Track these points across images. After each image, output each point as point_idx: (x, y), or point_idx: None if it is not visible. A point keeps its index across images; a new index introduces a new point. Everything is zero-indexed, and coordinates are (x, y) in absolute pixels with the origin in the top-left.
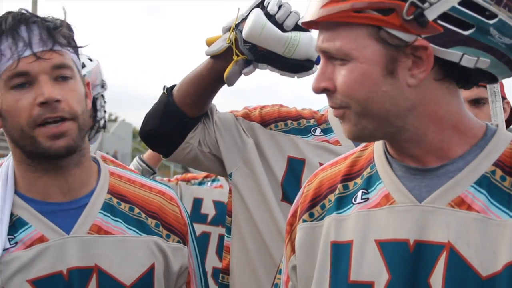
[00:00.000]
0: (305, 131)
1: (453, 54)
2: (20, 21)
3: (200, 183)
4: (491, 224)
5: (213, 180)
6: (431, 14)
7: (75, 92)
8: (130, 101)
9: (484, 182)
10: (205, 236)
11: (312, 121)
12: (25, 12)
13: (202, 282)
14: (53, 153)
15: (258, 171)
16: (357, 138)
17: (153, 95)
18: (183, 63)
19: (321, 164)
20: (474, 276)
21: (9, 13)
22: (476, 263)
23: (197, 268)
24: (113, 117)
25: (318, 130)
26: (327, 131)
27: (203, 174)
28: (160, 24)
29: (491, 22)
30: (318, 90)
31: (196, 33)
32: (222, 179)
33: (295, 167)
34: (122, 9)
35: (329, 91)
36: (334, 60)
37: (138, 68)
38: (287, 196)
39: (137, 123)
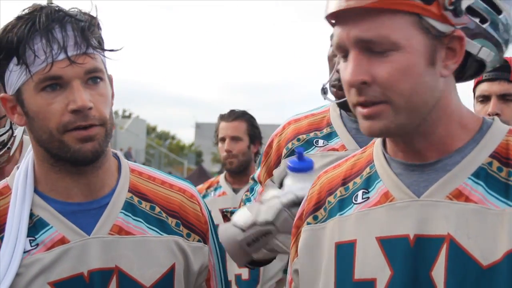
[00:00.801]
0: (307, 145)
1: (475, 46)
2: (54, 20)
3: (204, 196)
4: (489, 214)
5: (216, 189)
6: (464, 5)
7: (104, 97)
8: (144, 98)
9: (481, 174)
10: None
11: (312, 134)
12: (57, 8)
13: (222, 279)
14: (80, 157)
15: None
16: (383, 134)
17: (167, 92)
18: (198, 61)
19: None
20: (475, 266)
21: (41, 9)
22: (476, 253)
23: (217, 265)
24: (127, 114)
25: (321, 141)
26: (330, 136)
27: (206, 185)
28: (175, 22)
29: (500, 17)
30: (356, 83)
31: (212, 32)
32: (224, 185)
33: None
34: (138, 7)
35: (365, 84)
36: (371, 51)
37: (152, 65)
38: None
39: (151, 120)
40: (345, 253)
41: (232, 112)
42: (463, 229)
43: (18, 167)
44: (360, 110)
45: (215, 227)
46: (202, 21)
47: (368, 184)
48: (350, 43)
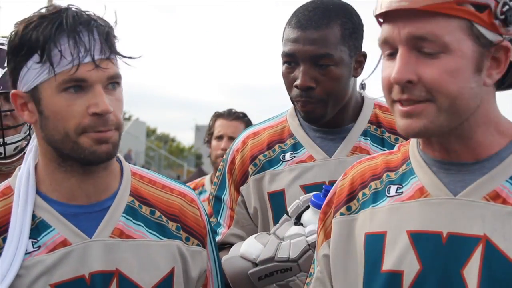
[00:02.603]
0: (275, 162)
1: None
2: (81, 23)
3: None
4: None
5: (200, 192)
6: None
7: (120, 102)
8: (143, 100)
9: None
10: None
11: (276, 147)
12: (79, 11)
13: (219, 284)
14: (95, 158)
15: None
16: (423, 135)
17: (167, 94)
18: (198, 63)
19: (302, 187)
20: (511, 268)
21: (66, 10)
22: None
23: (215, 270)
24: (126, 116)
25: (288, 154)
26: (296, 147)
27: (191, 186)
28: (174, 23)
29: None
30: (402, 82)
31: (212, 34)
32: (209, 190)
33: (277, 201)
34: (136, 8)
35: (410, 83)
36: (419, 51)
37: (152, 67)
38: None
39: (151, 122)
40: (374, 243)
41: (232, 111)
42: (500, 231)
43: (19, 168)
44: (399, 108)
45: (213, 232)
46: (202, 23)
47: (402, 180)
48: (401, 40)
